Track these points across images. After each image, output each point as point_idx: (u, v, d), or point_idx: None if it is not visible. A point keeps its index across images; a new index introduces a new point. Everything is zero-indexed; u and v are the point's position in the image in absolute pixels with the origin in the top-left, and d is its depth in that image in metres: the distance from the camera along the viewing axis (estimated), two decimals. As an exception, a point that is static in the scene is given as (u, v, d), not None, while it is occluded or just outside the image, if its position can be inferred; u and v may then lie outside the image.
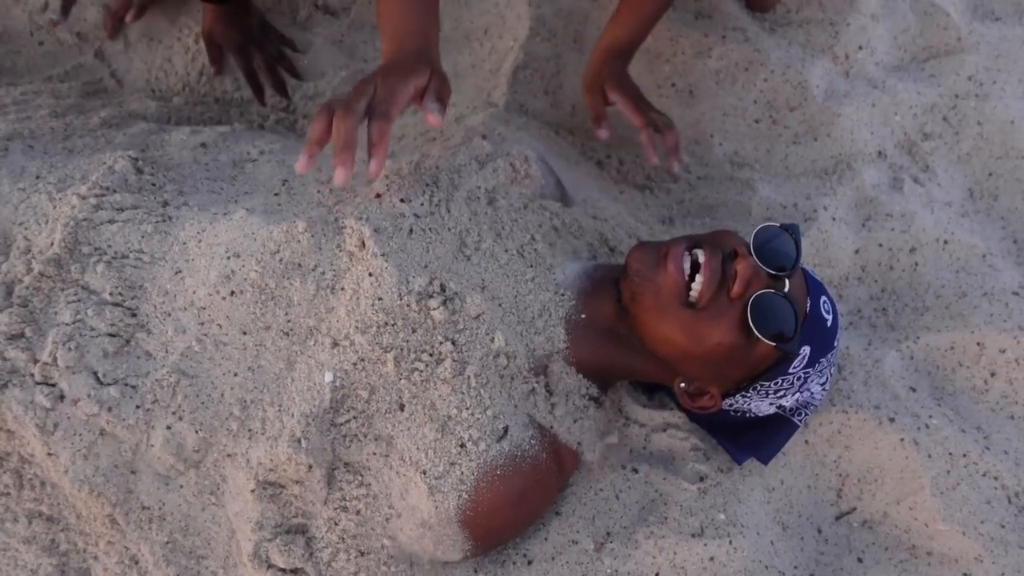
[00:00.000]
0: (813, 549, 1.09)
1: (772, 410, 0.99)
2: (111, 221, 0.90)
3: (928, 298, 1.25)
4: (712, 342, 0.88)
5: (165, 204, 0.93)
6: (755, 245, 0.89)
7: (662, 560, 1.00)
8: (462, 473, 0.85)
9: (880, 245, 1.29)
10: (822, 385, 1.00)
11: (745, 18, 1.47)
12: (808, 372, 0.94)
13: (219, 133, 1.12)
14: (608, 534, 1.01)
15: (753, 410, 1.00)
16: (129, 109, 1.27)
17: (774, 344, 0.87)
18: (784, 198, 1.32)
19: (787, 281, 0.89)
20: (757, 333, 0.86)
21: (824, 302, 0.94)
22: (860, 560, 1.07)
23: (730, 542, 1.01)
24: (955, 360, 1.19)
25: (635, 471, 1.06)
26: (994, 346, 1.17)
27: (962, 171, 1.42)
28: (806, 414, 1.04)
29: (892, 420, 1.10)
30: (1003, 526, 1.05)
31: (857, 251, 1.29)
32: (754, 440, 1.05)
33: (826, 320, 0.93)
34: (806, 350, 0.91)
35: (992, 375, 1.17)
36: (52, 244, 0.87)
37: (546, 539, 0.99)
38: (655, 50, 1.43)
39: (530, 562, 0.98)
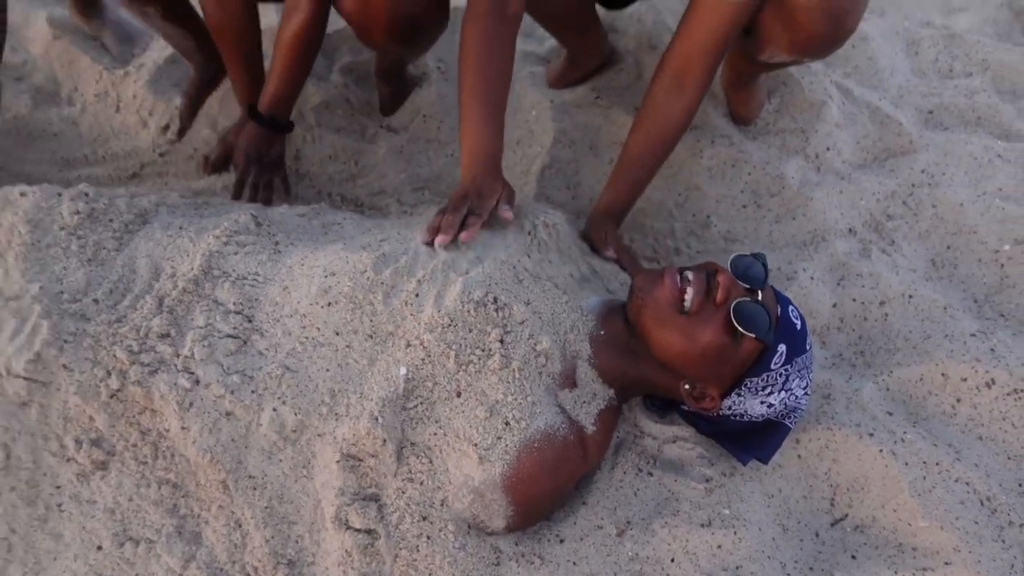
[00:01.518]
0: (812, 549, 1.23)
1: (763, 409, 1.19)
2: (235, 253, 1.17)
3: (898, 341, 1.46)
4: (704, 340, 1.11)
5: (276, 244, 1.21)
6: (732, 268, 1.15)
7: (676, 547, 1.16)
8: (506, 445, 1.06)
9: (854, 300, 1.52)
10: (804, 389, 1.20)
11: (730, 128, 1.80)
12: (788, 370, 1.15)
13: (311, 208, 1.41)
14: (628, 522, 1.18)
15: (748, 411, 1.19)
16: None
17: (754, 336, 1.09)
18: (769, 264, 1.57)
19: (760, 293, 1.13)
20: (741, 329, 1.09)
21: (792, 310, 1.17)
22: (854, 557, 1.22)
23: (735, 533, 1.17)
24: (925, 389, 1.38)
25: (650, 474, 1.25)
26: (956, 375, 1.36)
27: (923, 245, 1.67)
28: (795, 418, 1.23)
29: (871, 435, 1.28)
30: (977, 522, 1.20)
31: (835, 305, 1.52)
32: (754, 443, 1.24)
33: (795, 324, 1.16)
34: (782, 348, 1.13)
35: (958, 401, 1.36)
36: (192, 269, 1.15)
37: (575, 523, 1.17)
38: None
39: (562, 540, 1.15)
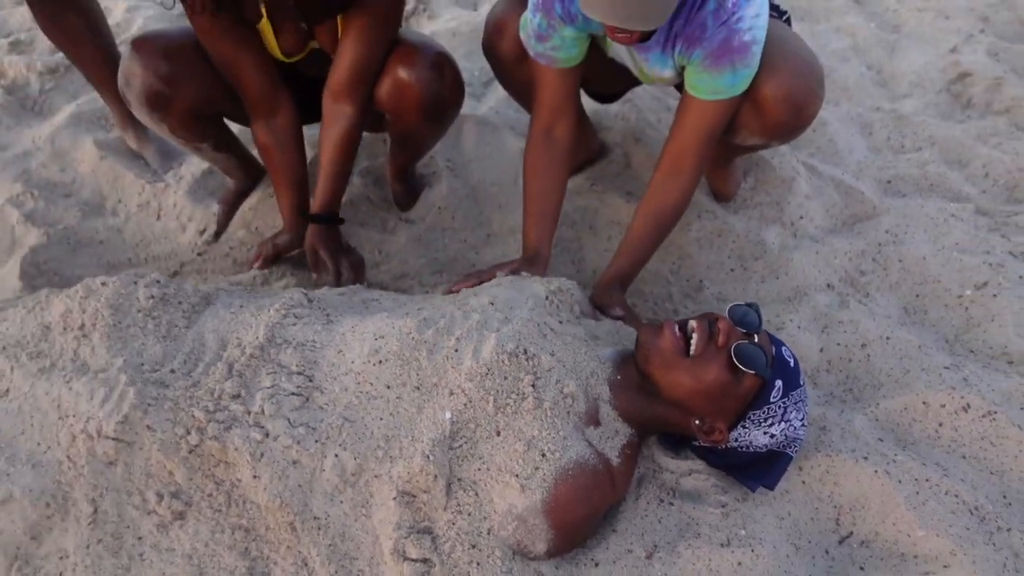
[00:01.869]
0: (823, 565, 1.35)
1: (766, 440, 1.33)
2: (293, 324, 1.34)
3: (881, 377, 1.62)
4: (709, 378, 1.26)
5: (328, 315, 1.37)
6: (729, 315, 1.32)
7: (701, 566, 1.27)
8: (544, 474, 1.19)
9: (838, 344, 1.69)
10: (801, 420, 1.35)
11: (713, 204, 2.02)
12: (785, 402, 1.30)
13: (350, 287, 1.59)
14: (656, 546, 1.30)
15: (752, 442, 1.34)
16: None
17: (753, 373, 1.25)
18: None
19: (756, 336, 1.30)
20: (741, 367, 1.25)
21: (785, 350, 1.33)
22: (863, 569, 1.33)
23: (752, 551, 1.29)
24: (909, 417, 1.53)
25: (671, 504, 1.37)
26: (936, 402, 1.52)
27: (895, 295, 1.86)
28: (795, 448, 1.37)
29: (866, 458, 1.42)
30: (968, 528, 1.33)
31: (821, 350, 1.69)
32: (760, 472, 1.37)
33: (789, 362, 1.32)
34: (779, 383, 1.29)
35: (940, 425, 1.51)
36: (257, 338, 1.31)
37: (607, 548, 1.28)
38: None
39: (597, 564, 1.26)
